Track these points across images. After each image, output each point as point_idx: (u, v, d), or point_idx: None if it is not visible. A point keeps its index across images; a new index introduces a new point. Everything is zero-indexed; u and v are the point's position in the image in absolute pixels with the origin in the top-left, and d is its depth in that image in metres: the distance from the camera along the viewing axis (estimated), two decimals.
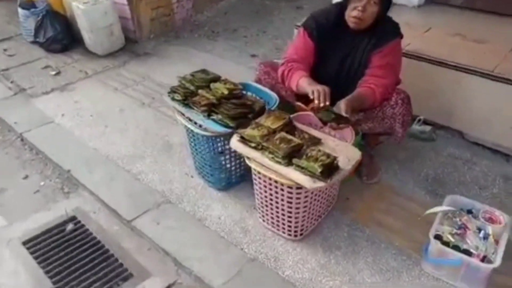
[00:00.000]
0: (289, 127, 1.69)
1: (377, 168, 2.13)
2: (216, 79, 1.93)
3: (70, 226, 1.95)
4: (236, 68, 3.27)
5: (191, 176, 2.19)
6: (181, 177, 2.18)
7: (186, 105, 1.88)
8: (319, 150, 1.51)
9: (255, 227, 1.87)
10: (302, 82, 1.86)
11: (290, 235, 1.76)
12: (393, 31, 1.88)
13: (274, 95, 2.03)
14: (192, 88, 1.90)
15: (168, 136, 2.50)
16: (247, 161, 1.62)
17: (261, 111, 1.82)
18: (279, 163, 1.51)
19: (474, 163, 2.21)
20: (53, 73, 3.26)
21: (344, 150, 1.60)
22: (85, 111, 2.78)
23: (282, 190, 1.60)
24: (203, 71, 2.00)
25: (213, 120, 1.78)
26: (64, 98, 2.94)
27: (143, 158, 2.33)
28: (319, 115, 1.72)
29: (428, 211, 1.72)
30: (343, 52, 1.93)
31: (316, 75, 1.94)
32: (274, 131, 1.63)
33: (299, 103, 2.02)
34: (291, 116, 1.86)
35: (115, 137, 2.51)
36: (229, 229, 1.87)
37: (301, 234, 1.76)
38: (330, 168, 1.46)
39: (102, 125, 2.63)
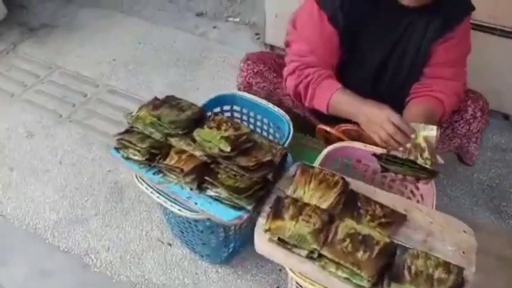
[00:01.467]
0: (347, 197, 1.01)
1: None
2: (200, 118, 1.13)
3: None
4: (183, 38, 2.38)
5: (168, 244, 1.46)
6: (153, 250, 1.44)
7: (153, 168, 1.10)
8: (427, 256, 0.88)
9: None
10: (341, 102, 1.17)
11: None
12: (464, 2, 1.20)
13: (282, 114, 1.31)
14: (157, 136, 1.10)
15: (113, 172, 1.69)
16: (292, 275, 0.95)
17: (283, 163, 1.11)
18: (361, 287, 0.87)
19: None
20: None
21: (445, 228, 0.98)
22: None
23: None
24: (171, 101, 1.18)
25: (210, 197, 1.03)
26: None
27: (85, 223, 1.52)
28: (389, 166, 1.07)
29: None
30: (387, 43, 1.22)
31: (341, 80, 1.24)
32: (331, 218, 0.95)
33: (322, 126, 1.33)
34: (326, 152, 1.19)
35: (31, 187, 1.64)
36: None
37: None
38: None
39: (5, 168, 1.71)
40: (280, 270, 1.38)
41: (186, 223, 1.25)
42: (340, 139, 1.32)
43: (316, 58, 1.22)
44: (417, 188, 1.19)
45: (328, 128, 1.33)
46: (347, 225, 0.93)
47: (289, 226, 0.93)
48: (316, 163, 1.17)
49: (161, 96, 1.17)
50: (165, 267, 1.40)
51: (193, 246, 1.39)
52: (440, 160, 1.05)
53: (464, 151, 1.33)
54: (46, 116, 1.92)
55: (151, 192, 1.11)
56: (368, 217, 0.97)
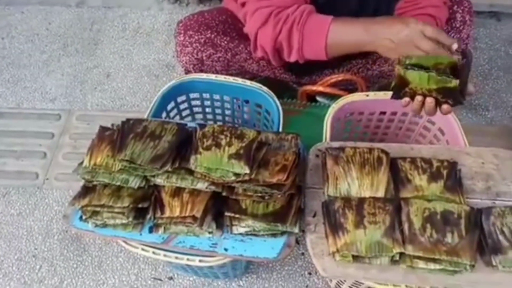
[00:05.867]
0: (391, 170, 0.84)
1: None
2: (185, 137, 0.82)
3: None
4: (59, 16, 1.85)
5: (169, 279, 1.21)
6: None
7: (145, 224, 0.80)
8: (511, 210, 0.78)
9: None
10: (344, 36, 0.93)
11: None
12: None
13: (265, 90, 1.06)
14: (136, 183, 0.79)
15: (56, 220, 1.31)
16: (371, 285, 0.79)
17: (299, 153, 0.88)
18: (457, 272, 0.74)
19: None
20: None
21: (499, 164, 0.88)
22: None
23: None
24: (134, 128, 0.82)
25: (241, 234, 0.79)
26: None
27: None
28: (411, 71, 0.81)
29: None
30: None
31: None
32: (396, 205, 0.78)
33: (305, 88, 1.12)
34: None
35: None
36: None
37: None
38: None
39: None
40: (302, 254, 1.24)
41: None
42: (329, 94, 1.13)
43: None
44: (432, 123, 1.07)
45: (313, 87, 1.11)
46: (418, 207, 0.78)
47: (359, 237, 0.74)
48: (326, 135, 0.97)
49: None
50: None
51: (203, 272, 1.15)
52: (471, 88, 0.88)
53: None
54: None
55: (153, 252, 0.82)
56: (425, 183, 0.82)
